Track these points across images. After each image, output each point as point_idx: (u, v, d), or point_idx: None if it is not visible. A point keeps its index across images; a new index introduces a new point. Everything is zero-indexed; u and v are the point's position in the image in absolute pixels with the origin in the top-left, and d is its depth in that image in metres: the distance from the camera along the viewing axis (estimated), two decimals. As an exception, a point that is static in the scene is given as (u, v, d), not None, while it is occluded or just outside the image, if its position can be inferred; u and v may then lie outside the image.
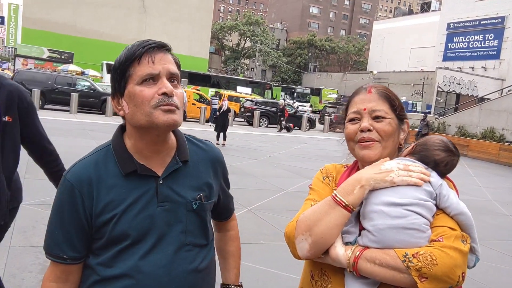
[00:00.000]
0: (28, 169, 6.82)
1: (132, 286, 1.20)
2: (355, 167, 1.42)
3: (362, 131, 1.31)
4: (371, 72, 48.08)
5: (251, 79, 47.41)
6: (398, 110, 1.35)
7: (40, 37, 37.60)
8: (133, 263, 1.20)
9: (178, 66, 1.26)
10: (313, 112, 39.14)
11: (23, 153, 2.23)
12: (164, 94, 1.17)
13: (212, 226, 1.46)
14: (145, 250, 1.21)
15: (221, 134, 13.77)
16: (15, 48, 40.83)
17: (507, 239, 6.50)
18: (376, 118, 1.31)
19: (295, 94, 47.26)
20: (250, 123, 23.32)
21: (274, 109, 24.11)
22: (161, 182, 1.25)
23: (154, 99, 1.17)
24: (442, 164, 1.30)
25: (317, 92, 47.52)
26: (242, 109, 24.19)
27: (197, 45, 45.59)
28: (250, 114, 23.41)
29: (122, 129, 1.30)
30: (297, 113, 25.91)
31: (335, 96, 42.79)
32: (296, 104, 38.41)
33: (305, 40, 70.19)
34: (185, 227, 1.27)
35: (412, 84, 41.20)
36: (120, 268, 1.20)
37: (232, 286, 1.52)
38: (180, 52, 41.64)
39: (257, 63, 63.76)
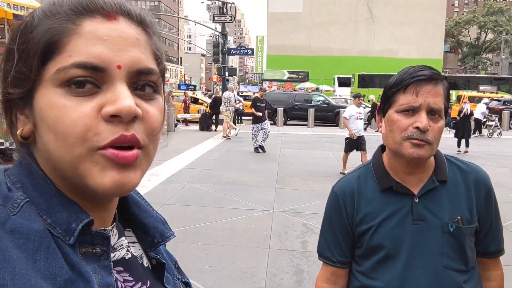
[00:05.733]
0: (278, 180, 7.87)
1: None
2: None
3: None
4: None
5: (496, 76, 41.53)
6: None
7: (280, 61, 42.54)
8: (394, 277, 1.26)
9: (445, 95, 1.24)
10: None
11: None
12: (417, 128, 1.20)
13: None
14: (403, 266, 1.25)
15: (463, 140, 12.54)
16: (261, 74, 47.07)
17: None
18: None
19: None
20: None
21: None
22: (416, 200, 1.28)
23: (407, 131, 1.21)
24: None
25: None
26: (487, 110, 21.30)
27: (429, 46, 42.82)
28: (497, 115, 20.51)
29: (382, 148, 1.41)
30: None
31: None
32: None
33: None
34: (441, 249, 1.25)
35: None
36: (381, 280, 1.28)
37: None
38: (410, 56, 40.00)
39: (503, 57, 55.42)
